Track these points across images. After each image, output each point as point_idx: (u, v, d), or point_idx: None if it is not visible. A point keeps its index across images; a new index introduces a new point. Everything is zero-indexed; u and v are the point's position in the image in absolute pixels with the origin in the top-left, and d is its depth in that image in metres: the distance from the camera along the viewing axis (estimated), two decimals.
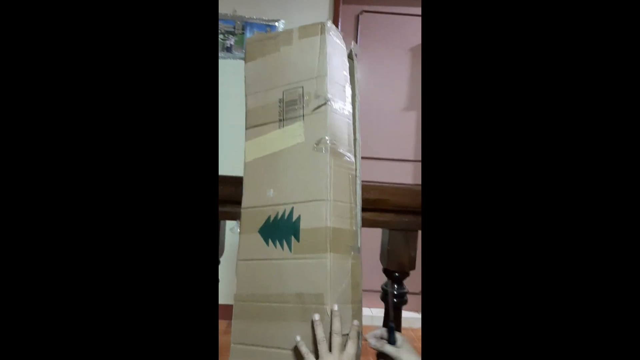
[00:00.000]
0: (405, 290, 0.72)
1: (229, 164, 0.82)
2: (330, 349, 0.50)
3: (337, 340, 0.51)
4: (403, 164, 2.14)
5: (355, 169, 0.61)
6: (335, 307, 0.52)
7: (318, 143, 0.58)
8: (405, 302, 0.72)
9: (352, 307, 0.54)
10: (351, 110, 0.63)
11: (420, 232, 0.71)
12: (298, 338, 0.52)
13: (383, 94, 2.11)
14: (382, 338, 0.60)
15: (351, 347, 0.51)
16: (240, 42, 2.03)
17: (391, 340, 0.58)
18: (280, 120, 0.63)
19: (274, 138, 0.64)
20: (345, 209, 0.57)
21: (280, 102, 0.64)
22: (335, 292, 0.52)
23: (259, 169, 0.64)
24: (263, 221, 0.61)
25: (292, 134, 0.61)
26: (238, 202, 0.65)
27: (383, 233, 0.73)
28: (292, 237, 0.57)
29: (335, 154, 0.58)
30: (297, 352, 0.53)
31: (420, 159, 2.13)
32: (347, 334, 0.53)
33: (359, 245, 0.59)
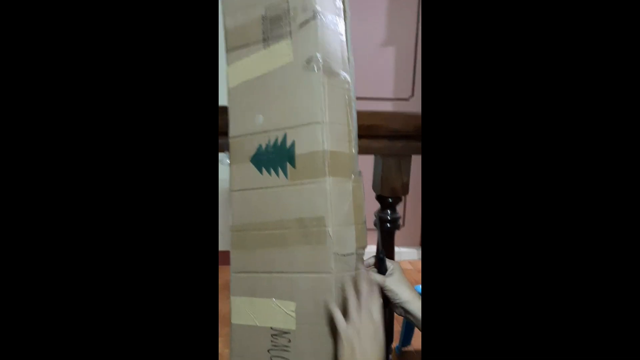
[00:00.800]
0: (398, 216, 0.73)
1: None
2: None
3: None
4: (382, 103, 2.10)
5: (351, 90, 0.58)
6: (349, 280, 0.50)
7: (309, 61, 0.53)
8: (398, 227, 0.73)
9: (356, 228, 0.53)
10: (344, 26, 0.58)
11: (412, 156, 0.70)
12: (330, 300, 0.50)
13: (358, 28, 2.00)
14: (375, 267, 0.56)
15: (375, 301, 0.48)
16: None
17: (382, 270, 0.55)
18: (264, 39, 0.58)
19: (259, 60, 0.58)
20: (342, 131, 0.55)
21: (263, 20, 0.58)
22: (335, 214, 0.51)
23: (245, 95, 0.59)
24: (254, 150, 0.57)
25: (279, 54, 0.56)
26: (224, 133, 0.61)
27: (375, 160, 0.72)
28: (288, 164, 0.54)
29: (329, 73, 0.54)
30: (299, 274, 0.52)
31: (400, 97, 2.10)
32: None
33: (359, 168, 0.57)
